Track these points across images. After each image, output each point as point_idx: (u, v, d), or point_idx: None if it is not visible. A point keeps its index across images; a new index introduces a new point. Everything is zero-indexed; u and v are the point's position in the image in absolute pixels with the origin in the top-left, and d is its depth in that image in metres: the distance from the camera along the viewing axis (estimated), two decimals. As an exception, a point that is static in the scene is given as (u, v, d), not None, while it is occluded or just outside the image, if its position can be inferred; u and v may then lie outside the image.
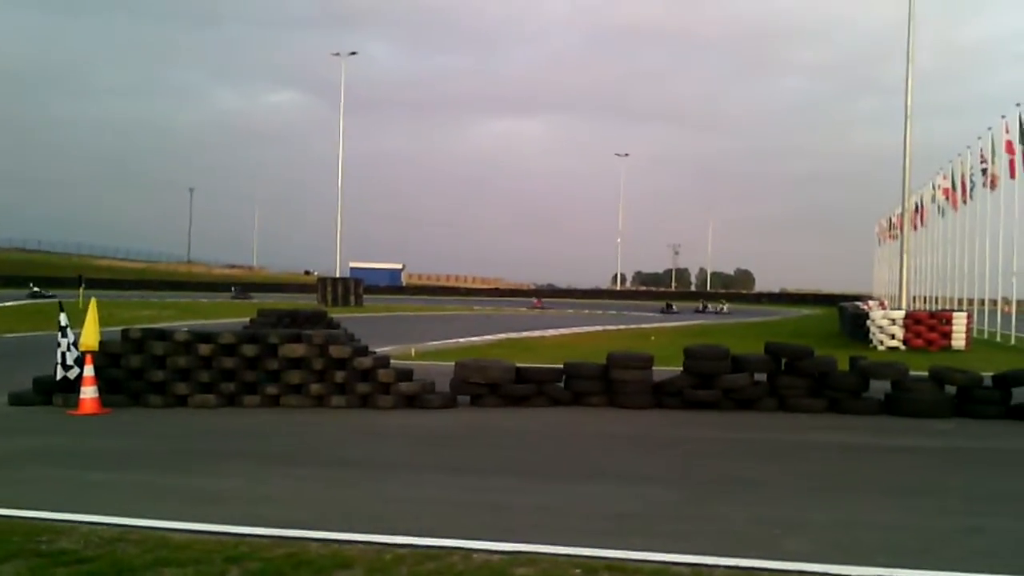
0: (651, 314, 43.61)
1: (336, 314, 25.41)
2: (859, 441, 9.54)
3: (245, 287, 69.99)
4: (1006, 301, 27.84)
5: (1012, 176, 26.71)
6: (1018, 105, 25.99)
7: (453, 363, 12.15)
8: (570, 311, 48.42)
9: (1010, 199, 27.18)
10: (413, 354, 17.81)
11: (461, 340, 23.09)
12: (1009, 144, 26.57)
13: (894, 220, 43.12)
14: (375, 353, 11.91)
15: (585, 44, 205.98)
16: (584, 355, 14.07)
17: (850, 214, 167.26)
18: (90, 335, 10.87)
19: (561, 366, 11.82)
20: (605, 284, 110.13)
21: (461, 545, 5.06)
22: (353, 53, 61.98)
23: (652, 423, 10.48)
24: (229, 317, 30.11)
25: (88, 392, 10.58)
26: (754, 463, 8.28)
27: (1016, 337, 26.36)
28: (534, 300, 63.75)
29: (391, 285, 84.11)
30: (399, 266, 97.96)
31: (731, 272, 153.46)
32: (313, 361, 11.16)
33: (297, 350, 11.16)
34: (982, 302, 30.40)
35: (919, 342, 23.00)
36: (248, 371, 11.17)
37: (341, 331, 13.40)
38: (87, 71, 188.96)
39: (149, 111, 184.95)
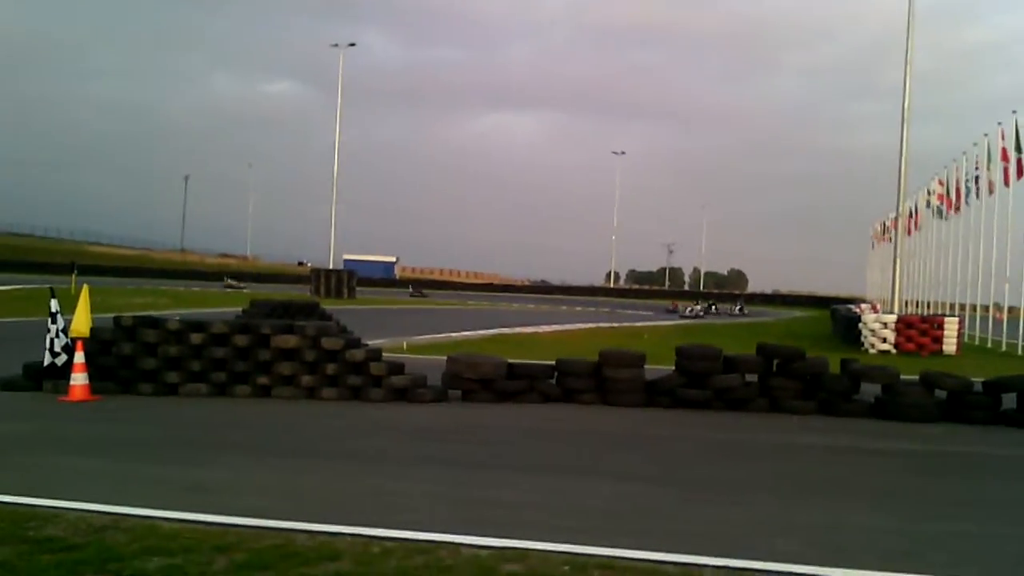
0: (645, 312, 43.64)
1: (329, 306, 25.37)
2: (848, 444, 9.57)
3: (239, 276, 69.87)
4: (998, 307, 27.92)
5: (1006, 183, 26.79)
6: (1014, 112, 26.08)
7: (445, 357, 12.15)
8: (563, 307, 48.45)
9: (1004, 206, 27.26)
10: (405, 347, 17.81)
11: (453, 334, 23.09)
12: (1004, 152, 26.64)
13: (888, 223, 43.24)
14: (367, 346, 11.90)
15: (582, 40, 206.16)
16: (577, 352, 14.07)
17: (845, 216, 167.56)
18: (81, 321, 10.84)
19: (553, 363, 11.82)
20: (599, 282, 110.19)
21: (450, 540, 5.06)
22: (352, 44, 61.75)
23: (643, 421, 10.50)
24: (222, 306, 30.07)
25: (78, 379, 10.55)
26: (744, 463, 8.30)
27: (1007, 343, 26.46)
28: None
29: (385, 277, 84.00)
30: (393, 259, 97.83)
31: (724, 272, 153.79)
32: (305, 352, 11.15)
33: (289, 341, 11.14)
34: (974, 308, 30.52)
35: (911, 346, 23.09)
36: (240, 361, 11.16)
37: (333, 323, 13.40)
38: (83, 52, 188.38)
39: (145, 95, 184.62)
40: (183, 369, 11.11)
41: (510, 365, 11.60)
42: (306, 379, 11.12)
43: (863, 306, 35.85)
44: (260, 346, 11.17)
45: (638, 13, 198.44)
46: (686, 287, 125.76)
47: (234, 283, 55.25)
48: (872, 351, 22.80)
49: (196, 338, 11.14)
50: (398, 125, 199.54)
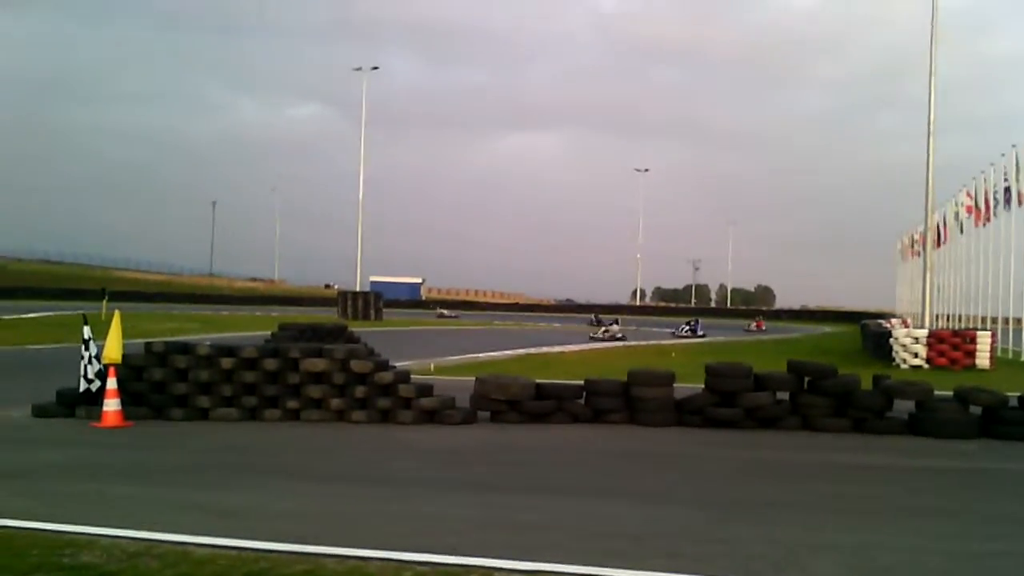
0: (670, 330, 43.42)
1: (356, 328, 25.49)
2: (883, 462, 9.45)
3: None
4: (1031, 320, 27.50)
5: (1037, 194, 26.42)
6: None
7: (473, 378, 12.14)
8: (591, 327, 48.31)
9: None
10: (432, 369, 17.82)
11: (480, 355, 23.09)
12: (1034, 162, 26.30)
13: (916, 237, 42.78)
14: (395, 368, 11.92)
15: (604, 59, 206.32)
16: (604, 371, 14.03)
17: (872, 230, 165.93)
18: (113, 348, 10.95)
19: (581, 382, 11.78)
20: (625, 300, 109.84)
21: (481, 563, 5.04)
22: (375, 68, 62.31)
23: (673, 441, 10.43)
24: (251, 330, 30.26)
25: (111, 405, 10.65)
26: (777, 483, 8.22)
27: (1042, 357, 26.05)
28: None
29: (411, 299, 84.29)
30: (419, 280, 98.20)
31: (751, 288, 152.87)
32: (334, 375, 11.19)
33: (318, 364, 11.19)
34: (1006, 320, 30.08)
35: (943, 361, 22.76)
36: (269, 385, 11.21)
37: (362, 345, 13.43)
38: (109, 80, 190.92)
39: (171, 121, 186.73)
40: (214, 394, 11.19)
41: (538, 385, 11.57)
42: (336, 402, 11.15)
43: (893, 321, 35.45)
44: (290, 370, 11.23)
45: (662, 31, 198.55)
46: (712, 304, 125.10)
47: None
48: (904, 367, 22.52)
49: (226, 363, 11.22)
50: (423, 146, 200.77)
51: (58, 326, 30.49)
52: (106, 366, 10.93)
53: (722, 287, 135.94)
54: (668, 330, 43.84)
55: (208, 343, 12.04)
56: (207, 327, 33.29)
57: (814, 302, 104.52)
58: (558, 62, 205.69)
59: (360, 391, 11.18)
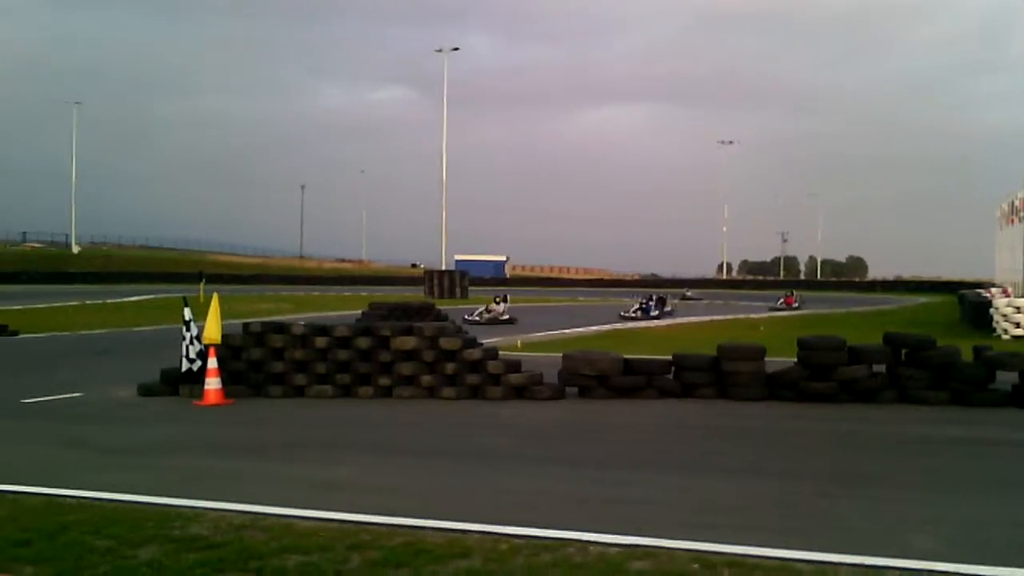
0: (760, 304, 42.62)
1: (443, 306, 25.77)
2: (986, 435, 9.15)
3: (354, 281, 71.63)
4: None
5: None
6: None
7: (560, 354, 12.18)
8: (676, 301, 47.82)
9: None
10: (519, 345, 17.92)
11: (567, 331, 23.11)
12: None
13: (1017, 203, 41.00)
14: (483, 344, 12.04)
15: (686, 29, 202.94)
16: (691, 346, 13.90)
17: (969, 197, 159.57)
18: (213, 329, 11.34)
19: (670, 357, 11.71)
20: (711, 273, 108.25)
21: (577, 537, 5.08)
22: (455, 49, 62.65)
23: (766, 415, 10.29)
24: (342, 310, 30.91)
25: (212, 383, 11.04)
26: (875, 457, 8.04)
27: None
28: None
29: (495, 277, 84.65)
30: (503, 258, 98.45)
31: (842, 259, 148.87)
32: (424, 353, 11.37)
33: (408, 342, 11.38)
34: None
35: (1047, 331, 21.86)
36: (362, 363, 11.46)
37: (450, 323, 13.60)
38: (202, 71, 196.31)
39: (262, 109, 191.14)
40: (309, 372, 11.50)
41: (626, 360, 11.53)
42: (426, 379, 11.34)
43: (993, 290, 34.09)
44: (381, 348, 11.45)
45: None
46: (802, 276, 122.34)
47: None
48: (1005, 337, 21.70)
49: (320, 342, 11.51)
50: (505, 124, 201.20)
51: (159, 308, 31.64)
52: (207, 346, 11.33)
53: (812, 259, 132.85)
54: (757, 303, 43.02)
55: (302, 323, 12.36)
56: (299, 307, 34.10)
57: (908, 272, 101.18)
58: (640, 34, 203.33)
59: (450, 368, 11.34)
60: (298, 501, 5.94)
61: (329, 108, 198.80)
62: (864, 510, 5.90)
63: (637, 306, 31.79)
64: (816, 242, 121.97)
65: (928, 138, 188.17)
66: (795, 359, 11.27)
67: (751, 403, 10.88)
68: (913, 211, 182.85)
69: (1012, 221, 45.89)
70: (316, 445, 8.60)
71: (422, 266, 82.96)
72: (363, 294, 47.31)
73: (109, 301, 36.74)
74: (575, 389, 11.49)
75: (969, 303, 28.65)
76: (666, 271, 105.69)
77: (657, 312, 31.43)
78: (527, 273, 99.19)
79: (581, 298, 52.45)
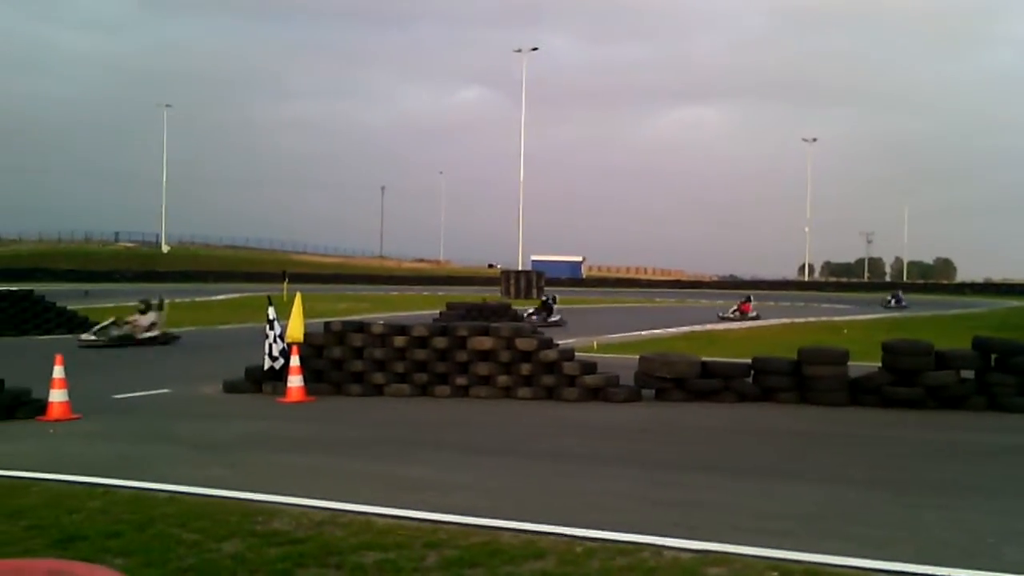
0: (843, 306, 41.63)
1: (518, 306, 25.87)
2: (1083, 445, 8.79)
3: (432, 281, 72.45)
4: None
5: None
6: None
7: (636, 356, 12.12)
8: (755, 303, 47.08)
9: None
10: (595, 347, 17.87)
11: (643, 333, 22.95)
12: None
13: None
14: (559, 346, 12.06)
15: (772, 26, 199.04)
16: (771, 349, 13.69)
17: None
18: (296, 328, 11.62)
19: (749, 360, 11.54)
20: (792, 275, 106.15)
21: (652, 541, 5.05)
22: (534, 49, 62.86)
23: (848, 421, 10.06)
24: (419, 309, 31.28)
25: (295, 381, 11.30)
26: (962, 465, 7.80)
27: None
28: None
29: (572, 277, 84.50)
30: (579, 258, 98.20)
31: (930, 261, 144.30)
32: (500, 353, 11.44)
33: (485, 343, 11.47)
34: None
35: None
36: (439, 362, 11.60)
37: (526, 324, 13.65)
38: (287, 76, 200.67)
39: (344, 112, 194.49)
40: (388, 370, 11.69)
41: (704, 363, 11.41)
42: (502, 379, 11.41)
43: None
44: (458, 348, 11.57)
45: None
46: (887, 278, 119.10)
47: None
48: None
49: (399, 341, 11.68)
50: (584, 124, 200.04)
51: (244, 307, 32.47)
52: (290, 344, 11.60)
53: (898, 260, 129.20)
54: (841, 306, 41.98)
55: (381, 322, 12.56)
56: (378, 307, 34.59)
57: (999, 274, 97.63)
58: (722, 33, 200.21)
59: (525, 368, 11.39)
60: (376, 498, 6.05)
61: (410, 110, 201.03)
62: (949, 520, 5.74)
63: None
64: (902, 243, 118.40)
65: (1019, 136, 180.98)
66: (879, 364, 11.00)
67: (833, 408, 10.65)
68: (1006, 211, 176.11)
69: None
70: (394, 443, 8.73)
71: (499, 267, 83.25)
72: (440, 294, 47.77)
73: (197, 299, 37.85)
74: (651, 391, 11.41)
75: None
76: (745, 272, 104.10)
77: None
78: (603, 274, 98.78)
79: (657, 299, 52.05)
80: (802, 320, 30.76)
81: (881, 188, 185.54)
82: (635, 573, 4.56)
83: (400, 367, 11.67)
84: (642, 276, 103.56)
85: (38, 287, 26.21)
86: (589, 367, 11.53)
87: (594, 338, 19.51)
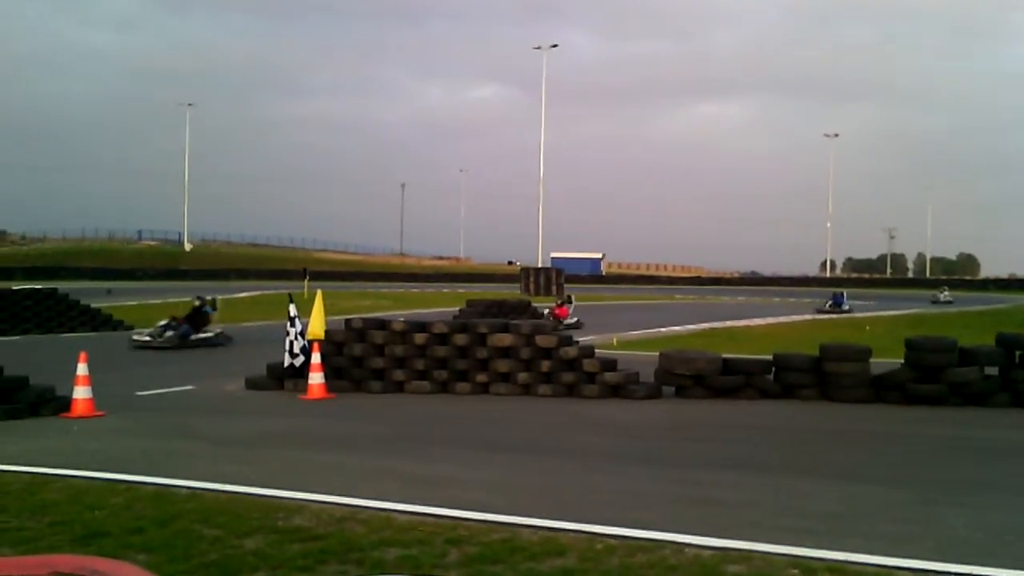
0: (866, 303, 41.31)
1: (538, 303, 25.86)
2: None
3: (452, 278, 72.65)
4: None
5: None
6: None
7: (656, 353, 12.08)
8: (776, 299, 46.79)
9: None
10: (615, 343, 17.84)
11: (663, 330, 22.89)
12: None
13: None
14: (579, 342, 12.05)
15: (790, 21, 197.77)
16: (792, 346, 13.62)
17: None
18: (317, 325, 11.69)
19: (770, 357, 11.48)
20: (813, 271, 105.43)
21: (672, 539, 5.03)
22: (554, 46, 62.81)
23: (870, 418, 10.00)
24: (439, 307, 31.34)
25: (316, 378, 11.36)
26: (985, 463, 7.73)
27: None
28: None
29: (592, 274, 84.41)
30: (599, 255, 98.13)
31: (953, 257, 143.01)
32: (520, 350, 11.44)
33: (505, 340, 11.48)
34: None
35: None
36: (459, 359, 11.62)
37: (546, 321, 13.65)
38: (303, 74, 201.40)
39: (365, 110, 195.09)
40: (408, 368, 11.72)
41: (725, 360, 11.37)
42: (522, 376, 11.41)
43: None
44: (478, 344, 11.58)
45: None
46: (910, 274, 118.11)
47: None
48: None
49: (419, 338, 11.71)
50: (603, 121, 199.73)
51: (266, 304, 32.66)
52: (311, 342, 11.66)
53: (920, 256, 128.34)
54: (865, 303, 41.64)
55: (402, 319, 12.60)
56: (399, 304, 34.70)
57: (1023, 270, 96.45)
58: (743, 29, 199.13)
59: (545, 365, 11.39)
60: (397, 495, 6.06)
61: (430, 108, 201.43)
62: (973, 518, 5.69)
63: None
64: (925, 239, 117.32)
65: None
66: (902, 360, 10.92)
67: (855, 405, 10.59)
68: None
69: None
70: (414, 440, 8.75)
71: (518, 264, 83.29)
72: (460, 291, 47.83)
73: (220, 297, 38.01)
74: (672, 389, 11.39)
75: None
76: (766, 269, 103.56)
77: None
78: (623, 271, 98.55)
79: (678, 296, 51.87)
80: (824, 316, 30.56)
81: (904, 184, 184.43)
82: (655, 570, 4.55)
83: (420, 364, 11.70)
84: (662, 273, 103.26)
85: (62, 285, 26.41)
86: (609, 364, 11.51)
87: (614, 335, 19.47)
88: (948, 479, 7.05)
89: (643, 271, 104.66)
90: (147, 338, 17.91)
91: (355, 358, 11.90)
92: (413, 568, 4.59)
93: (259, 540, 5.06)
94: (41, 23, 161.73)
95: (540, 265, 58.61)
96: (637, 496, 6.31)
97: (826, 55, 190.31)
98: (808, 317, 29.84)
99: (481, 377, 11.56)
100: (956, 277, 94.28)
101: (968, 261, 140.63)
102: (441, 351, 11.66)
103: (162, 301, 33.61)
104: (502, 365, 11.49)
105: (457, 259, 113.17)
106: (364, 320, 12.36)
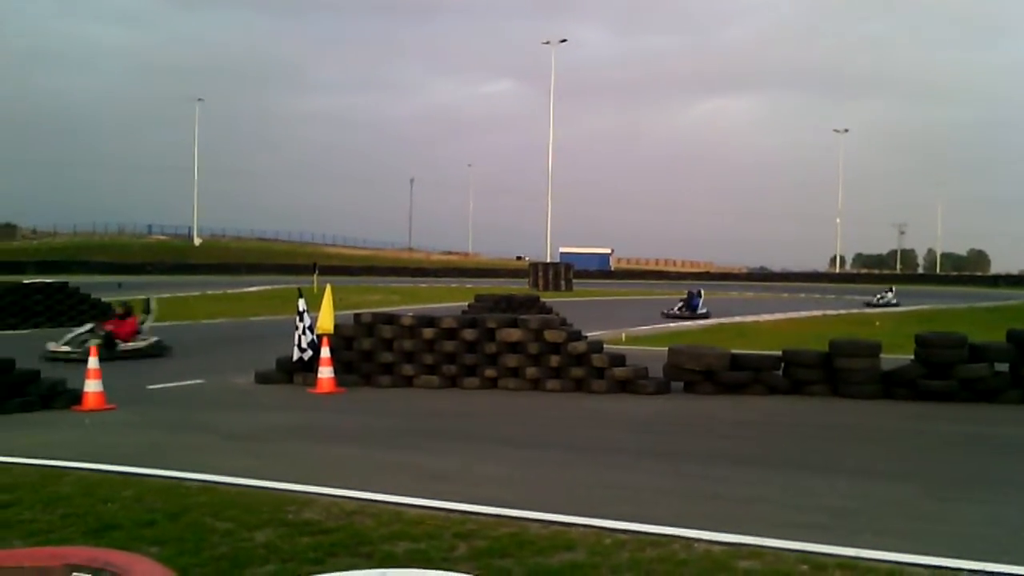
0: (873, 298, 41.10)
1: (547, 298, 25.86)
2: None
3: (460, 273, 72.79)
4: None
5: None
6: None
7: (665, 348, 12.07)
8: (785, 295, 46.64)
9: None
10: (624, 339, 17.83)
11: (671, 325, 22.87)
12: None
13: None
14: (587, 338, 12.04)
15: (799, 16, 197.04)
16: (802, 341, 13.58)
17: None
18: (326, 319, 11.71)
19: (779, 353, 11.45)
20: (823, 267, 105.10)
21: (682, 534, 5.03)
22: (563, 40, 62.59)
23: (880, 414, 9.97)
24: (448, 301, 31.32)
25: (325, 372, 11.38)
26: (997, 459, 7.71)
27: None
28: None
29: (600, 269, 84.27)
30: (608, 250, 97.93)
31: (963, 253, 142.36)
32: (529, 345, 11.44)
33: (513, 335, 11.48)
34: None
35: None
36: (468, 354, 11.62)
37: (555, 316, 13.65)
38: (311, 68, 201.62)
39: (374, 105, 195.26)
40: (417, 362, 11.73)
41: (733, 356, 11.35)
42: (531, 371, 11.41)
43: None
44: (487, 339, 11.59)
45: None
46: (920, 270, 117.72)
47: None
48: None
49: (428, 333, 11.72)
50: (613, 116, 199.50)
51: (275, 299, 32.68)
52: (320, 336, 11.68)
53: (931, 252, 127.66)
54: (862, 298, 41.41)
55: (410, 314, 12.60)
56: (407, 299, 34.71)
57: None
58: (751, 23, 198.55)
59: (554, 360, 11.38)
60: (406, 489, 6.07)
61: (438, 103, 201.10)
62: (986, 514, 5.67)
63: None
64: (935, 234, 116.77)
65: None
66: (912, 356, 10.88)
67: (864, 401, 10.55)
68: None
69: None
70: (423, 434, 8.77)
71: (527, 259, 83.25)
72: (469, 286, 47.78)
73: (229, 291, 38.22)
74: (680, 384, 11.37)
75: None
76: (775, 264, 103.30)
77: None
78: (632, 266, 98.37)
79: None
80: (833, 312, 30.48)
81: (914, 179, 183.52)
82: (666, 565, 4.55)
83: (429, 359, 11.71)
84: (671, 268, 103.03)
85: (73, 279, 26.50)
86: (618, 359, 11.51)
87: (623, 330, 19.46)
88: (960, 475, 7.03)
89: (652, 266, 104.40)
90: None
91: (364, 352, 11.92)
92: (423, 562, 4.60)
93: (269, 533, 5.07)
94: (49, 20, 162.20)
95: (549, 260, 58.54)
96: (647, 491, 6.31)
97: (837, 49, 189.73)
98: (817, 313, 29.73)
99: (490, 372, 11.56)
100: (967, 273, 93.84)
101: (978, 257, 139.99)
102: (450, 346, 11.67)
103: (171, 295, 33.71)
104: (511, 360, 11.49)
105: (466, 254, 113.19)
106: (373, 314, 12.39)
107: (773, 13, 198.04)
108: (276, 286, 42.89)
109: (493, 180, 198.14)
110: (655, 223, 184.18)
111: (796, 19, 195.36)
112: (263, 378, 12.17)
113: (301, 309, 12.09)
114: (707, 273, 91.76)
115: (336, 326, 11.92)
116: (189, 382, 12.09)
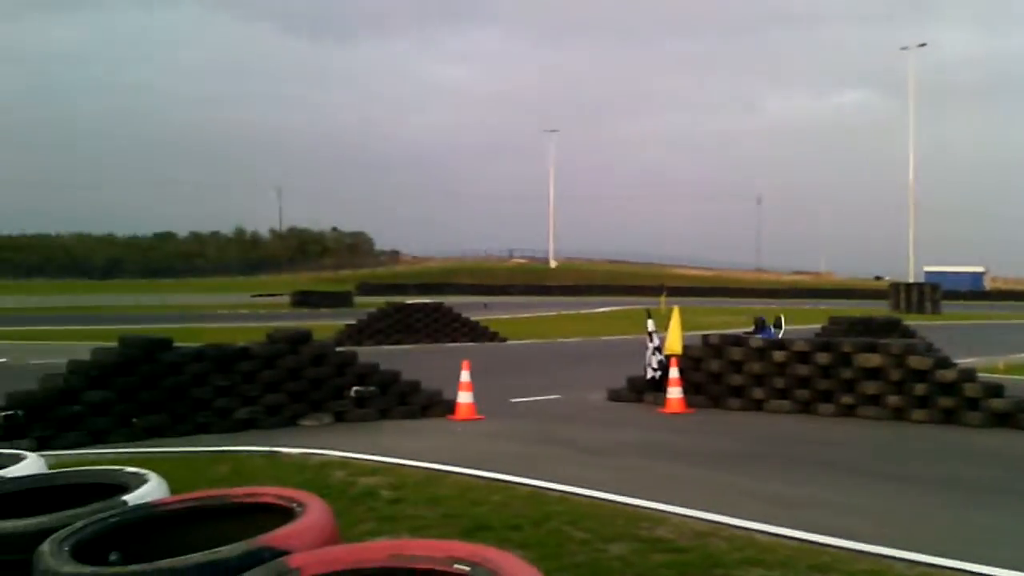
0: None
1: (910, 321, 23.96)
2: None
3: (812, 294, 69.70)
4: None
5: None
6: None
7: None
8: None
9: None
10: (1002, 367, 16.10)
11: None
12: None
13: None
14: (957, 365, 11.07)
15: None
16: None
17: None
18: (674, 340, 11.87)
19: None
20: None
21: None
22: (922, 45, 57.87)
23: None
24: (799, 324, 30.18)
25: (674, 392, 11.54)
26: None
27: None
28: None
29: (972, 290, 76.57)
30: (981, 269, 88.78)
31: None
32: (889, 372, 10.76)
33: (872, 359, 10.86)
34: None
35: None
36: (822, 379, 11.17)
37: (919, 340, 12.70)
38: (656, 92, 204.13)
39: (716, 123, 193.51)
40: (767, 386, 11.49)
41: None
42: (892, 399, 10.71)
43: None
44: (842, 364, 11.07)
45: None
46: None
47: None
48: None
49: (778, 356, 11.44)
50: (982, 122, 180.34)
51: (623, 319, 33.61)
52: (668, 357, 11.87)
53: None
54: None
55: (759, 336, 12.38)
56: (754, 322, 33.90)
57: None
58: None
59: (919, 388, 10.59)
60: (757, 514, 6.01)
61: (785, 117, 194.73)
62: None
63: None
64: None
65: None
66: None
67: None
68: None
69: None
70: (775, 459, 8.58)
71: (886, 279, 77.71)
72: (822, 307, 45.69)
73: (581, 312, 39.86)
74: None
75: None
76: None
77: None
78: (1011, 286, 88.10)
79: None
80: None
81: None
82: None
83: (780, 382, 11.42)
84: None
85: (446, 299, 29.14)
86: (995, 389, 10.44)
87: (1000, 358, 17.58)
88: None
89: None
90: None
91: (713, 374, 11.90)
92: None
93: (623, 547, 5.28)
94: (419, 66, 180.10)
95: (912, 280, 54.18)
96: (1012, 535, 5.70)
97: None
98: None
99: (846, 399, 11.01)
100: None
101: None
102: (802, 370, 11.29)
103: (530, 315, 35.83)
104: (869, 387, 10.86)
105: (818, 274, 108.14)
106: (721, 336, 12.33)
107: None
108: (625, 307, 44.01)
109: (847, 195, 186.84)
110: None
111: None
112: (615, 395, 12.58)
113: (650, 329, 12.36)
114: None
115: (684, 347, 12.04)
116: (546, 397, 12.82)
